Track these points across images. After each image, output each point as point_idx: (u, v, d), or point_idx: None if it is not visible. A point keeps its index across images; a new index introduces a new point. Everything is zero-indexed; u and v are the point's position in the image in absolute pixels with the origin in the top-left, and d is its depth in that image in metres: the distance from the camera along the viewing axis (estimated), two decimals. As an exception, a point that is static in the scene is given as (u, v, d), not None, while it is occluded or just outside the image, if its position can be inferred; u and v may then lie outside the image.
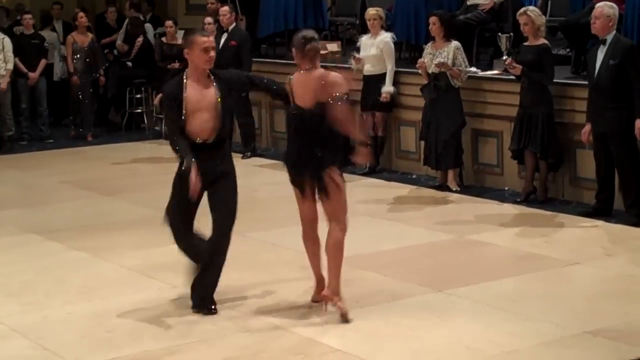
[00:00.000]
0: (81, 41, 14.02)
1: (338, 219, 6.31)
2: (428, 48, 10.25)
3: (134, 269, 7.59)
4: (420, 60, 10.23)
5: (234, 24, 12.42)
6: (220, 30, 12.37)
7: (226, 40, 12.13)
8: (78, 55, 13.95)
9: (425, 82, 10.22)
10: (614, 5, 8.78)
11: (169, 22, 14.03)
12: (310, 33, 6.45)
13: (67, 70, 14.25)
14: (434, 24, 10.07)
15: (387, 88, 10.91)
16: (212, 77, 6.44)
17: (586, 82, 9.04)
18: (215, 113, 6.35)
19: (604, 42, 8.67)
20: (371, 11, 10.99)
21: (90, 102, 14.11)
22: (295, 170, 6.37)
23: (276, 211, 9.10)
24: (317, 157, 6.24)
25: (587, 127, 8.80)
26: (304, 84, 6.32)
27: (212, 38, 6.58)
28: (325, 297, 6.34)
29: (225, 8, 12.46)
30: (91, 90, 14.07)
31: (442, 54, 9.99)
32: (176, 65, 13.34)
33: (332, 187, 6.26)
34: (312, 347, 5.90)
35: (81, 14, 14.38)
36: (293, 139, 6.45)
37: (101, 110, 15.10)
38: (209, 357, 5.81)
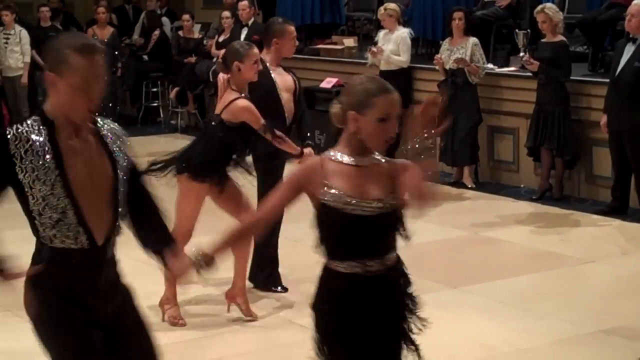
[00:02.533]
0: (102, 35, 14.07)
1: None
2: (445, 44, 10.21)
3: (147, 262, 7.54)
4: (437, 56, 10.19)
5: (252, 19, 12.41)
6: (238, 24, 12.36)
7: (247, 34, 12.08)
8: None
9: (442, 78, 10.19)
10: None
11: (186, 16, 14.08)
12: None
13: None
14: (460, 19, 9.99)
15: (387, 49, 10.60)
16: None
17: (603, 80, 8.97)
18: None
19: (634, 40, 8.53)
20: (380, 10, 10.92)
21: (114, 94, 14.11)
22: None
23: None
24: None
25: (604, 119, 8.74)
26: None
27: None
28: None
29: (245, 2, 12.44)
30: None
31: (460, 50, 9.95)
32: (192, 59, 13.37)
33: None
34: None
35: (101, 8, 14.42)
36: None
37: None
38: (223, 350, 5.82)
